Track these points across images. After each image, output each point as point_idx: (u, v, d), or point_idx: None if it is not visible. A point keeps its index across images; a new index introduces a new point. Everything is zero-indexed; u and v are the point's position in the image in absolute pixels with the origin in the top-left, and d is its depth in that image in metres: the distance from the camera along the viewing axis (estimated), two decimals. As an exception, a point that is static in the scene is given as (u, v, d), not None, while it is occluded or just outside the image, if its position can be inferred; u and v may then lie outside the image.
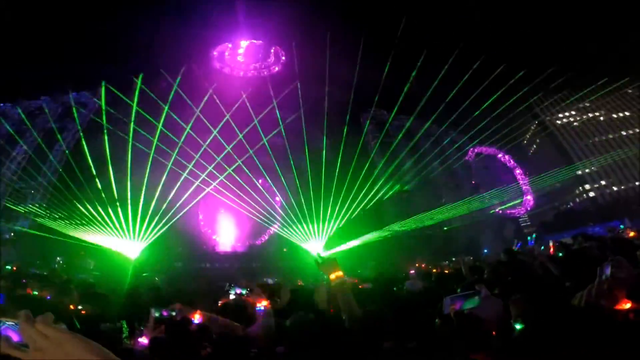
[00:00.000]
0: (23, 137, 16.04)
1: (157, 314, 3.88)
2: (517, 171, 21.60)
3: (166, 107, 19.03)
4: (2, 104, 14.34)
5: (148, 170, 19.37)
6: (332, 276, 2.52)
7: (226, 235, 21.43)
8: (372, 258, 19.24)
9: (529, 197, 21.13)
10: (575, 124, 26.18)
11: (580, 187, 25.87)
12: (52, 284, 5.78)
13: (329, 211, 19.85)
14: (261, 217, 21.98)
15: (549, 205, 21.19)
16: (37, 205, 16.90)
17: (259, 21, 18.83)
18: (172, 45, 17.07)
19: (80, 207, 16.85)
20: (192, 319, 3.31)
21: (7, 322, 0.91)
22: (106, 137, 17.17)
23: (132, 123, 18.24)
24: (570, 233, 10.02)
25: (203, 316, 3.26)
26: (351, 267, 16.51)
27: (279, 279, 13.63)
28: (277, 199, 22.54)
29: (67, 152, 17.31)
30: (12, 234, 16.63)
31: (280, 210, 22.42)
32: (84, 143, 17.08)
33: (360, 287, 5.66)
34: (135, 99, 17.81)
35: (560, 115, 26.76)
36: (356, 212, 19.87)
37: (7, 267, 9.07)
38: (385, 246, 19.21)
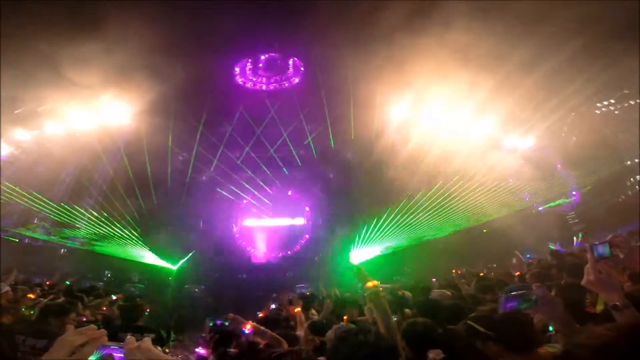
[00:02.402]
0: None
1: (211, 324, 4.09)
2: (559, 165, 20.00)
3: (200, 127, 19.96)
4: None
5: (186, 188, 20.60)
6: (370, 284, 2.46)
7: (260, 246, 21.90)
8: (407, 264, 18.70)
9: (574, 192, 19.53)
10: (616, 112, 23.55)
11: (632, 179, 23.26)
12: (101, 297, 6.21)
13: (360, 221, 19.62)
14: (293, 227, 22.33)
15: (598, 200, 19.21)
16: (85, 224, 18.19)
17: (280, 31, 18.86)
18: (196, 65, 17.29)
19: (125, 226, 18.15)
20: (244, 329, 3.40)
21: (111, 345, 1.06)
22: (147, 157, 18.22)
23: (169, 143, 19.26)
24: (626, 228, 8.99)
25: (254, 327, 3.35)
26: (387, 274, 16.14)
27: (313, 289, 13.67)
28: (307, 209, 22.76)
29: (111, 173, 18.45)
30: (65, 250, 18.26)
31: (310, 221, 22.59)
32: (127, 163, 18.22)
33: (399, 293, 5.48)
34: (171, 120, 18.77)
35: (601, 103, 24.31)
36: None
37: (67, 282, 9.86)
38: (421, 251, 18.60)
